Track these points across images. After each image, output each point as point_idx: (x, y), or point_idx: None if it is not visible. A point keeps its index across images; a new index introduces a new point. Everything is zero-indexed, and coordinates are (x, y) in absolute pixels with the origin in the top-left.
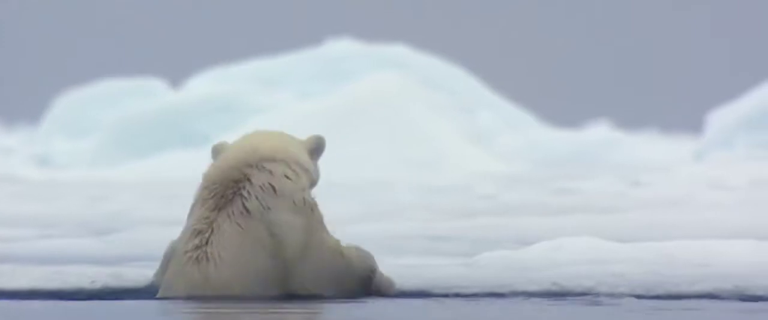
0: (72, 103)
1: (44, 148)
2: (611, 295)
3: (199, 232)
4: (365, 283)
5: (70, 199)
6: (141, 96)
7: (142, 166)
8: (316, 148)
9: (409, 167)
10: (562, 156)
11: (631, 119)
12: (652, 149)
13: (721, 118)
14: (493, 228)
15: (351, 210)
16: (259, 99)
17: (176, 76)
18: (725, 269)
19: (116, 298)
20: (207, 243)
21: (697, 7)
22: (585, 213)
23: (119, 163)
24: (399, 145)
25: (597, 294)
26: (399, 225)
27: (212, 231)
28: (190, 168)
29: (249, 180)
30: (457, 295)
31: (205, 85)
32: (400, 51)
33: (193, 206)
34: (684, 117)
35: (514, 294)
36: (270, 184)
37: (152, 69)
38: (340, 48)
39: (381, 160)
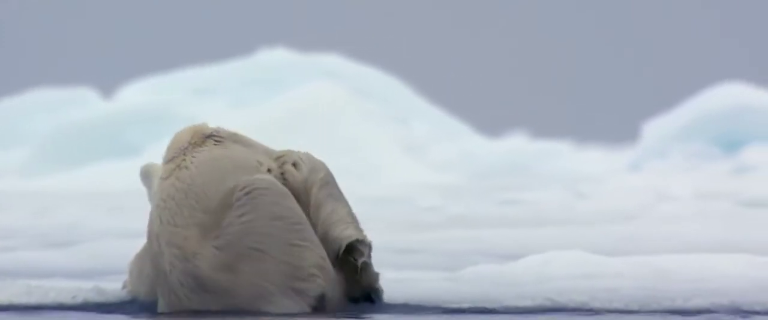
0: (1, 114)
1: None
2: (606, 311)
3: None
4: None
5: (13, 211)
6: (72, 106)
7: (75, 177)
8: None
9: (344, 178)
10: (497, 166)
11: (563, 129)
12: (586, 159)
13: (656, 128)
14: (458, 240)
15: None
16: (192, 108)
17: (108, 86)
18: (720, 284)
19: (102, 313)
20: None
21: (630, 18)
22: (542, 226)
23: (51, 174)
24: (333, 155)
25: (591, 310)
26: None
27: None
28: (123, 179)
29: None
30: (446, 311)
31: (137, 94)
32: (333, 60)
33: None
34: (618, 127)
35: (507, 309)
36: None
37: (83, 79)
38: (274, 57)
39: None
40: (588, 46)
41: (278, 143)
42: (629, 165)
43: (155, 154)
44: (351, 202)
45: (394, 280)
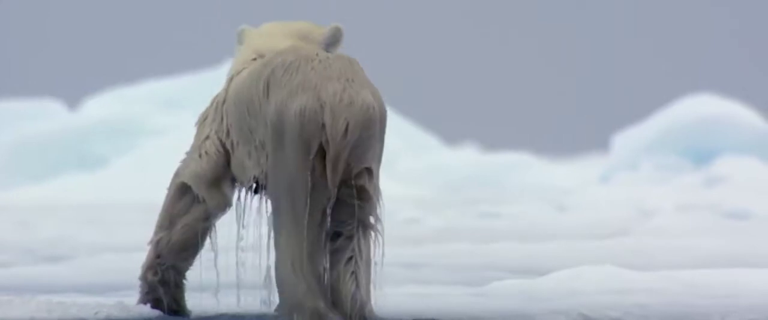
0: None
1: None
2: None
3: None
4: None
5: None
6: (37, 117)
7: (42, 190)
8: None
9: None
10: (466, 179)
11: (531, 141)
12: (554, 171)
13: (626, 140)
14: (457, 254)
15: None
16: (158, 120)
17: (73, 97)
18: (754, 300)
19: None
20: None
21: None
22: (539, 240)
23: (17, 187)
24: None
25: None
26: None
27: None
28: (93, 192)
29: None
30: None
31: (102, 106)
32: None
33: None
34: (587, 139)
35: None
36: None
37: (48, 90)
38: None
39: None
40: (556, 57)
41: None
42: (600, 177)
43: (122, 167)
44: None
45: (418, 295)
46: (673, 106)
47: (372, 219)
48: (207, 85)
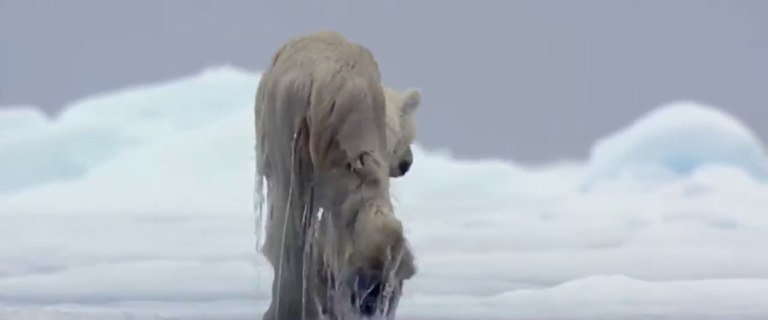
0: None
1: None
2: None
3: None
4: None
5: None
6: (16, 127)
7: (22, 199)
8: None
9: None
10: (446, 188)
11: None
12: (534, 180)
13: (606, 149)
14: (457, 264)
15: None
16: (137, 129)
17: (52, 107)
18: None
19: None
20: None
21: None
22: (531, 249)
23: None
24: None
25: None
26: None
27: None
28: (73, 201)
29: None
30: None
31: (81, 115)
32: None
33: None
34: (567, 148)
35: None
36: None
37: (27, 99)
38: (220, 77)
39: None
40: (535, 65)
41: (224, 164)
42: (580, 185)
43: (101, 176)
44: None
45: (429, 305)
46: (654, 114)
47: (390, 199)
48: (186, 93)
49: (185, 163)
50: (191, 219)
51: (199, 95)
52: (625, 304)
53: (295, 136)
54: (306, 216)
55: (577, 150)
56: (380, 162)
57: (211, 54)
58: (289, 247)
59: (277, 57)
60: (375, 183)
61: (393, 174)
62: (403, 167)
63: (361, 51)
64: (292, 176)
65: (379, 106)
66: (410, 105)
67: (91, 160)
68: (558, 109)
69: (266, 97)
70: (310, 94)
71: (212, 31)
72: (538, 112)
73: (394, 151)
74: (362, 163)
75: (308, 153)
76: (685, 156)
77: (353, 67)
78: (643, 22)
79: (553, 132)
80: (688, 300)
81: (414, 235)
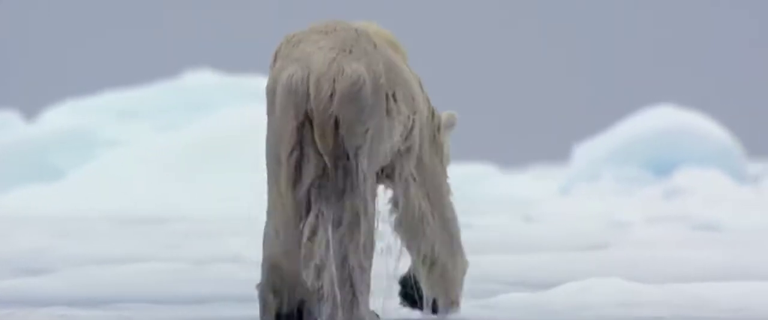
0: None
1: None
2: None
3: None
4: None
5: None
6: None
7: (2, 202)
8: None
9: None
10: None
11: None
12: (513, 182)
13: (586, 151)
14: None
15: (258, 246)
16: (117, 131)
17: (30, 108)
18: (765, 313)
19: None
20: None
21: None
22: (513, 252)
23: None
24: (260, 180)
25: None
26: None
27: None
28: (53, 203)
29: None
30: None
31: (59, 117)
32: (260, 82)
33: None
34: (547, 149)
35: None
36: None
37: (6, 101)
38: (199, 79)
39: (241, 194)
40: (516, 67)
41: (205, 166)
42: (560, 188)
43: (79, 178)
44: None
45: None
46: (633, 117)
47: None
48: (164, 95)
49: (165, 165)
50: (173, 221)
51: (179, 97)
52: (623, 307)
53: (296, 129)
54: (302, 216)
55: (557, 152)
56: (370, 157)
57: (190, 55)
58: (278, 230)
59: (275, 56)
60: (355, 187)
61: None
62: None
63: (357, 34)
64: (289, 174)
65: (378, 88)
66: (447, 126)
67: (71, 162)
68: (537, 111)
69: (268, 96)
70: (309, 87)
71: (191, 33)
72: (518, 114)
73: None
74: (352, 160)
75: (312, 147)
76: (664, 158)
77: (350, 51)
78: (623, 25)
79: (533, 134)
80: (684, 303)
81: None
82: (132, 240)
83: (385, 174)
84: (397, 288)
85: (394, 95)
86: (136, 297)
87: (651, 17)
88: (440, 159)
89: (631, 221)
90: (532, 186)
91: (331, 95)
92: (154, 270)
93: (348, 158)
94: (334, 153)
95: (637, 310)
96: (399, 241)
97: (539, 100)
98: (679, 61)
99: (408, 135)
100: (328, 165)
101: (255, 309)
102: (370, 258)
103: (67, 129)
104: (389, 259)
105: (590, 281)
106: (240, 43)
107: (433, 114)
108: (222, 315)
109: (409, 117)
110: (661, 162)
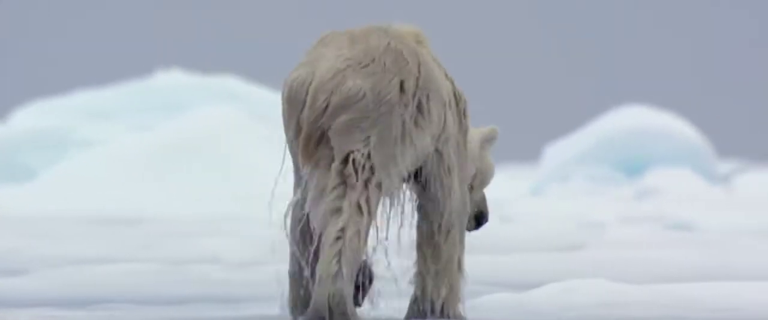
0: None
1: None
2: None
3: None
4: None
5: None
6: None
7: None
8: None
9: (244, 203)
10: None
11: None
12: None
13: (557, 151)
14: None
15: (234, 246)
16: (88, 131)
17: (1, 108)
18: (751, 313)
19: None
20: None
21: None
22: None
23: None
24: (233, 180)
25: None
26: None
27: None
28: (25, 204)
29: None
30: None
31: (30, 117)
32: (231, 82)
33: None
34: (517, 150)
35: None
36: None
37: None
38: (170, 79)
39: (214, 194)
40: (486, 67)
41: (176, 166)
42: (531, 188)
43: (51, 178)
44: (257, 229)
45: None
46: (604, 117)
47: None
48: (136, 96)
49: (138, 165)
50: (147, 221)
51: (151, 97)
52: (606, 307)
53: (294, 138)
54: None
55: (527, 152)
56: (371, 162)
57: (160, 55)
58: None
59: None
60: (352, 187)
61: (468, 227)
62: (478, 219)
63: (386, 49)
64: (295, 173)
65: (386, 106)
66: (488, 141)
67: (42, 162)
68: (507, 110)
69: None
70: (306, 95)
71: (161, 33)
72: (488, 113)
73: (471, 186)
74: (345, 163)
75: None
76: (635, 158)
77: (366, 66)
78: (593, 26)
79: (503, 133)
80: (669, 303)
81: (374, 236)
82: (107, 241)
83: (417, 176)
84: (396, 288)
85: (420, 106)
86: (117, 297)
87: (622, 19)
88: (465, 151)
89: (604, 221)
90: (503, 186)
91: (326, 107)
92: (132, 271)
93: (345, 162)
94: (312, 161)
95: (620, 310)
96: (399, 240)
97: (509, 100)
98: (650, 62)
99: (438, 137)
100: (299, 170)
101: (235, 310)
102: (362, 247)
103: (39, 129)
104: (389, 259)
105: (574, 282)
106: (212, 44)
107: (458, 98)
108: (203, 316)
109: (439, 124)
110: (632, 163)
